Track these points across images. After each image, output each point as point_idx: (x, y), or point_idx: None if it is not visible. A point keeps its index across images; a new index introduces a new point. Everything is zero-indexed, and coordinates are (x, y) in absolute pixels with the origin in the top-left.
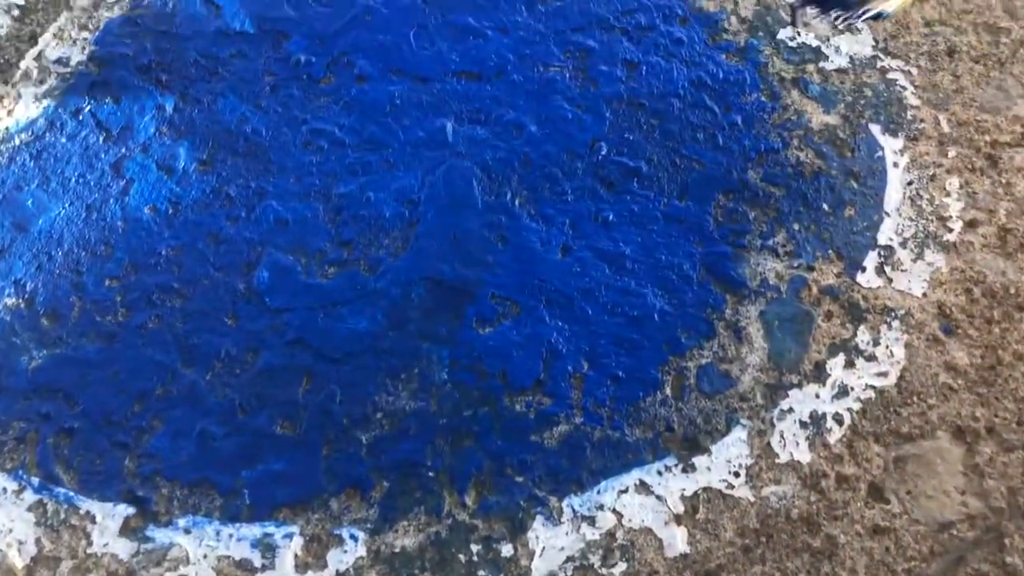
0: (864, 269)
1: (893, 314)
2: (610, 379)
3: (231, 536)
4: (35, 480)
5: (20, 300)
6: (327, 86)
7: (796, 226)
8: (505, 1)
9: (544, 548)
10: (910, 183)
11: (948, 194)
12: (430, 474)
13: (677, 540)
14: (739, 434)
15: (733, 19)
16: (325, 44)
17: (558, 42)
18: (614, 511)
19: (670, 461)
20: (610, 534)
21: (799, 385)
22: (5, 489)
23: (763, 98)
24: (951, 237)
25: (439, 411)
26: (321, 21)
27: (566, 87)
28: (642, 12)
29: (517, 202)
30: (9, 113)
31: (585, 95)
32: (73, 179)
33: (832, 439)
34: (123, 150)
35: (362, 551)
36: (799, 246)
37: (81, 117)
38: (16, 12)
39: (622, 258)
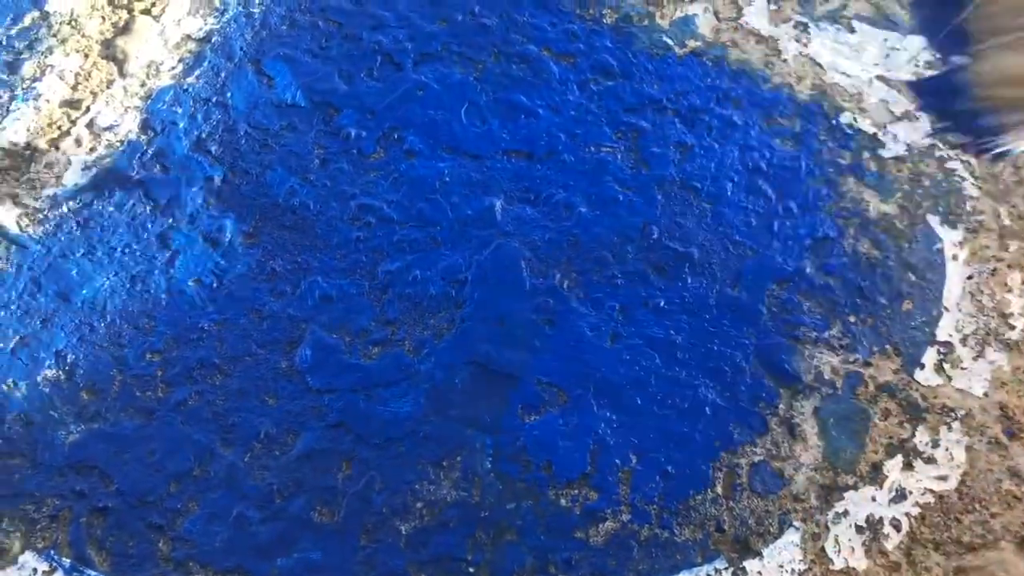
0: (923, 366)
1: (953, 414)
2: (659, 474)
3: None
4: (66, 561)
5: (60, 372)
6: (377, 161)
7: (852, 319)
8: (557, 80)
9: None
10: (970, 277)
11: (1010, 290)
12: (470, 570)
13: None
14: (792, 537)
15: (789, 103)
16: (376, 119)
17: (610, 122)
18: None
19: (720, 564)
20: None
21: (855, 487)
22: (36, 570)
23: (818, 185)
24: (1013, 335)
25: (481, 503)
26: (372, 96)
27: (617, 168)
28: (695, 94)
29: (566, 285)
30: (58, 179)
31: (637, 177)
32: (119, 249)
33: (890, 546)
34: (170, 221)
35: None
36: (855, 340)
37: (129, 187)
38: (69, 79)
39: (673, 347)
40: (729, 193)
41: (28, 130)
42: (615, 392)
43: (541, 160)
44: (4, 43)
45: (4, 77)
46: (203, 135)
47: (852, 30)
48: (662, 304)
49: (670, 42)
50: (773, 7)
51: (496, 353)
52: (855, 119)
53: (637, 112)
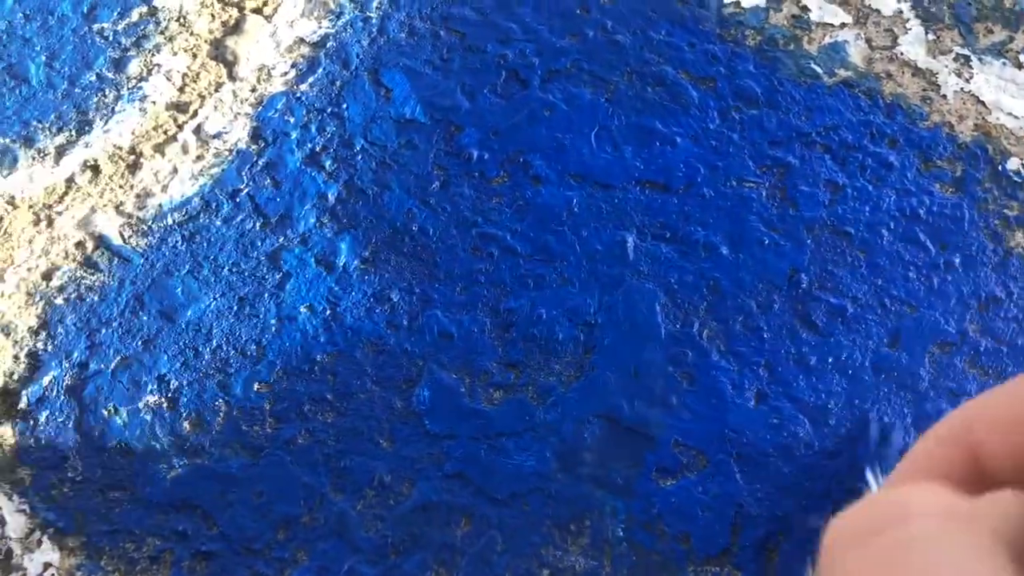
0: None
1: None
2: (810, 556)
3: None
4: None
5: (163, 399)
6: (500, 186)
7: None
8: (696, 105)
9: None
10: None
11: None
12: None
13: None
14: None
15: (949, 144)
16: (500, 139)
17: (754, 155)
18: None
19: None
20: None
21: None
22: None
23: (983, 237)
24: None
25: (613, 574)
26: (496, 114)
27: (762, 207)
28: (847, 129)
29: (705, 335)
30: (164, 189)
31: (783, 217)
32: (226, 268)
33: None
34: (281, 240)
35: None
36: None
37: (238, 200)
38: (177, 79)
39: (825, 412)
40: (885, 242)
41: (133, 133)
42: (760, 459)
43: (678, 193)
44: (111, 38)
45: (110, 75)
46: (317, 148)
47: (1019, 65)
48: (812, 362)
49: (818, 70)
50: (931, 37)
51: (629, 408)
52: (1023, 166)
53: (783, 145)
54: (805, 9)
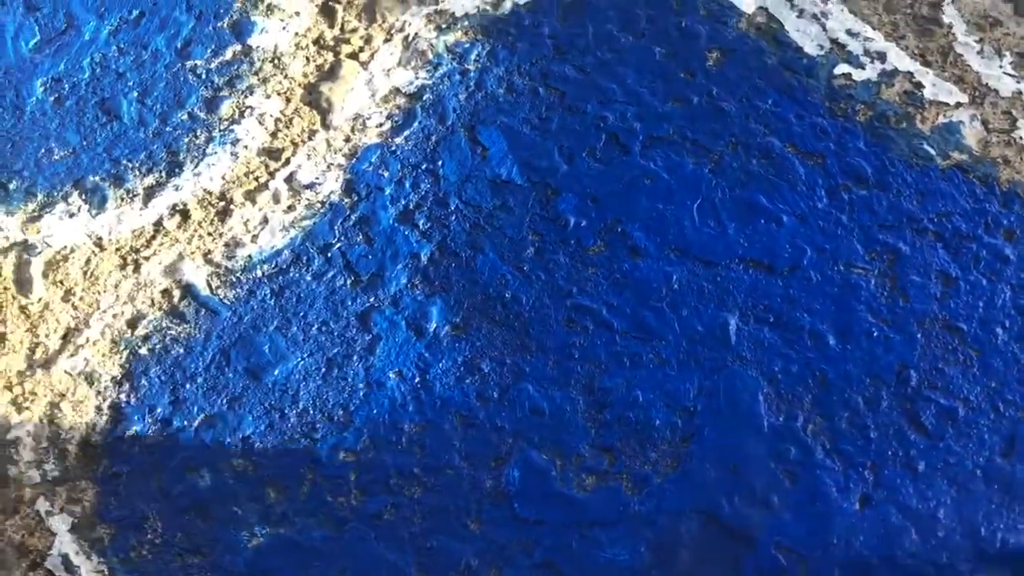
0: None
1: None
2: None
3: None
4: None
5: (247, 462)
6: (597, 256)
7: None
8: (803, 182)
9: None
10: None
11: None
12: None
13: None
14: None
15: None
16: (598, 207)
17: (862, 239)
18: None
19: None
20: None
21: None
22: None
23: None
24: None
25: None
26: (595, 180)
27: (871, 296)
28: (961, 217)
29: (810, 430)
30: (254, 239)
31: (893, 309)
32: (315, 326)
33: None
34: (372, 300)
35: None
36: None
37: (330, 255)
38: (270, 124)
39: (933, 522)
40: (999, 341)
41: (224, 178)
42: (863, 568)
43: (782, 275)
44: (204, 77)
45: (202, 115)
46: (411, 205)
47: None
48: (921, 467)
49: (931, 151)
50: None
51: (728, 505)
52: None
53: (894, 230)
54: (919, 86)
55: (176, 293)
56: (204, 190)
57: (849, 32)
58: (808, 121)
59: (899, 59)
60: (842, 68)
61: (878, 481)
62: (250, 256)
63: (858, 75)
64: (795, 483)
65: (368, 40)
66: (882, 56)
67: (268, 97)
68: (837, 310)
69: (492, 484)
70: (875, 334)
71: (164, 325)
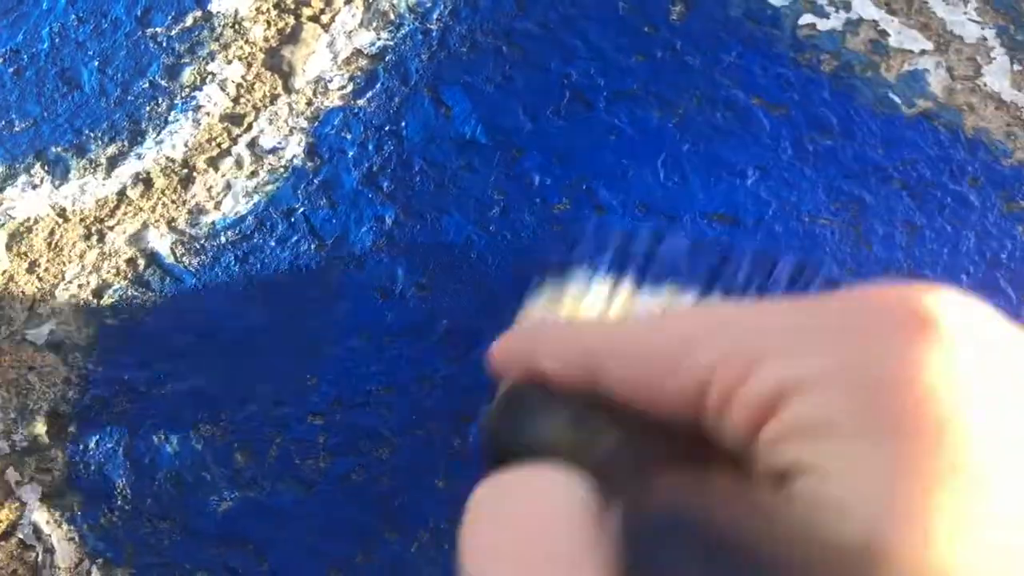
0: None
1: None
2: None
3: None
4: None
5: (215, 427)
6: (562, 213)
7: None
8: (768, 134)
9: None
10: None
11: None
12: None
13: None
14: None
15: None
16: (563, 164)
17: (828, 189)
18: None
19: None
20: None
21: None
22: None
23: None
24: None
25: None
26: (560, 137)
27: (836, 246)
28: (925, 164)
29: None
30: (217, 206)
31: (857, 258)
32: (280, 291)
33: None
34: (336, 263)
35: None
36: None
37: (293, 220)
38: (231, 89)
39: None
40: (964, 287)
41: (187, 145)
42: None
43: (747, 228)
44: (165, 44)
45: (164, 83)
46: (374, 168)
47: None
48: None
49: (897, 99)
50: (1017, 67)
51: None
52: None
53: (859, 180)
54: (884, 34)
55: (141, 262)
56: (167, 158)
57: None
58: (773, 72)
59: (864, 7)
60: (807, 18)
61: None
62: (214, 223)
63: (823, 25)
64: None
65: (329, 2)
66: (847, 5)
67: (229, 63)
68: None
69: (460, 442)
70: (839, 285)
71: (130, 294)
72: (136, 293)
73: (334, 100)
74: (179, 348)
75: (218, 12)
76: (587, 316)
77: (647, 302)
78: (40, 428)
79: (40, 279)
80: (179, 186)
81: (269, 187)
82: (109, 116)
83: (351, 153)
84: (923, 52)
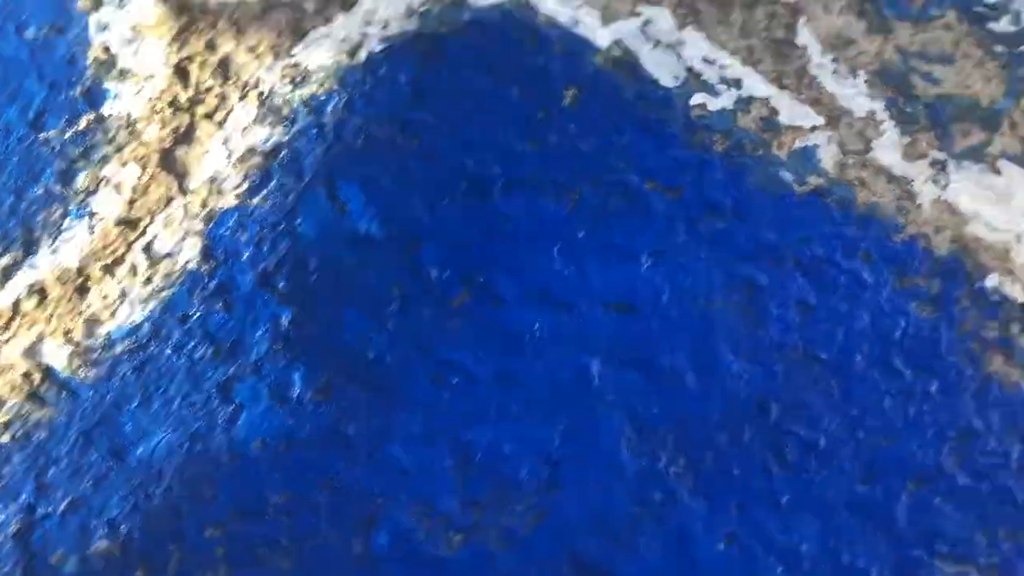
0: None
1: None
2: None
3: None
4: None
5: (114, 545)
6: (460, 307)
7: (1001, 533)
8: (662, 218)
9: None
10: None
11: None
12: None
13: None
14: None
15: (925, 259)
16: (461, 256)
17: (721, 273)
18: None
19: None
20: None
21: None
22: None
23: (961, 363)
24: None
25: None
26: (457, 227)
27: (730, 330)
28: (818, 242)
29: (673, 472)
30: (112, 315)
31: (752, 341)
32: (177, 400)
33: None
34: (233, 369)
35: None
36: (1005, 561)
37: (189, 326)
38: (126, 193)
39: (798, 556)
40: (858, 368)
41: (82, 252)
42: None
43: (643, 315)
44: (58, 149)
45: (58, 189)
46: (269, 268)
47: (998, 171)
48: (784, 501)
49: (789, 177)
50: (906, 140)
51: (595, 551)
52: (1001, 283)
53: (752, 261)
54: (774, 111)
55: (37, 376)
56: (63, 267)
57: (705, 60)
58: (666, 155)
59: (755, 85)
60: (698, 98)
61: (743, 518)
62: (109, 333)
63: (713, 104)
64: (660, 525)
65: (223, 98)
66: (738, 83)
67: (124, 165)
68: (697, 347)
69: (361, 549)
70: (735, 369)
71: (26, 410)
72: (32, 408)
73: (229, 200)
74: (77, 467)
75: (111, 114)
76: None
77: None
78: None
79: None
80: (75, 295)
81: (164, 293)
82: (3, 225)
83: (246, 254)
84: (814, 128)
